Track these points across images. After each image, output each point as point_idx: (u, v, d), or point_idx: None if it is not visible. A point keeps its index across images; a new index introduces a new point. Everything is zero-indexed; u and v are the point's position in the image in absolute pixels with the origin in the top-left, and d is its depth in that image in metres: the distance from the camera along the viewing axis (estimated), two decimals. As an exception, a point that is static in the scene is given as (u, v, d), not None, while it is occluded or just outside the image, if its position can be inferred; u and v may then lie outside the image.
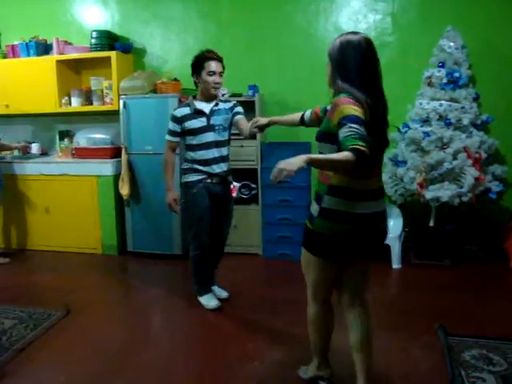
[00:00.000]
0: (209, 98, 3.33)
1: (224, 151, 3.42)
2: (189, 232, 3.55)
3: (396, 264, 4.30)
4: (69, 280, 4.21)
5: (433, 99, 4.15)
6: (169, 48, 5.16)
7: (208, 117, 3.31)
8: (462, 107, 4.10)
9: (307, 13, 4.76)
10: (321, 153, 2.08)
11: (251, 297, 3.72)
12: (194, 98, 3.39)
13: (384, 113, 2.06)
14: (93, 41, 4.97)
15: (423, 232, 4.47)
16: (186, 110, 3.31)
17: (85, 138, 5.03)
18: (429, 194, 4.05)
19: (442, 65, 4.16)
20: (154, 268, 4.54)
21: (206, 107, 3.32)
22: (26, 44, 5.12)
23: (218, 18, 4.94)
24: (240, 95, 4.61)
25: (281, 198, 4.50)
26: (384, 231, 2.15)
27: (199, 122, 3.29)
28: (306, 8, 4.76)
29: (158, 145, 4.56)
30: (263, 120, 2.79)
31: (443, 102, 4.10)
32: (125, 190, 4.65)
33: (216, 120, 3.33)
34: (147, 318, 3.49)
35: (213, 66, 3.21)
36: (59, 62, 5.04)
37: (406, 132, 4.23)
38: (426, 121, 4.17)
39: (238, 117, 3.40)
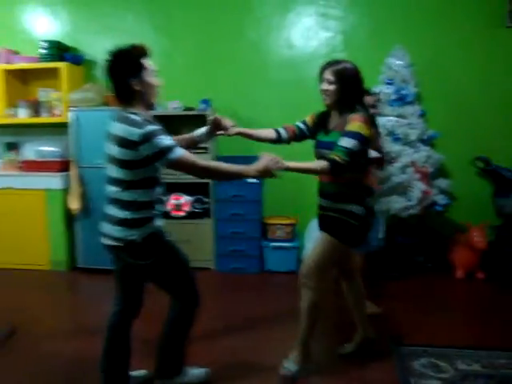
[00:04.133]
0: (149, 110, 2.37)
1: None
2: (181, 287, 2.53)
3: (348, 276, 4.37)
4: (14, 298, 4.04)
5: (382, 115, 4.27)
6: (121, 60, 5.09)
7: None
8: (410, 123, 4.24)
9: (259, 28, 4.82)
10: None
11: (204, 312, 3.68)
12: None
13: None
14: (42, 51, 4.84)
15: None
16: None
17: (33, 150, 4.88)
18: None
19: (390, 82, 4.30)
20: (105, 284, 4.40)
21: None
22: (-29, 53, 4.95)
23: (171, 32, 4.93)
24: (192, 109, 4.61)
25: (233, 211, 4.50)
26: None
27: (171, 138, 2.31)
28: (259, 23, 4.82)
29: (110, 158, 4.49)
30: (232, 129, 2.63)
31: (391, 117, 4.23)
32: (74, 205, 4.53)
33: None
34: (97, 338, 3.38)
35: (152, 64, 2.33)
36: (6, 71, 4.89)
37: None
38: (375, 136, 4.28)
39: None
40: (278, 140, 2.76)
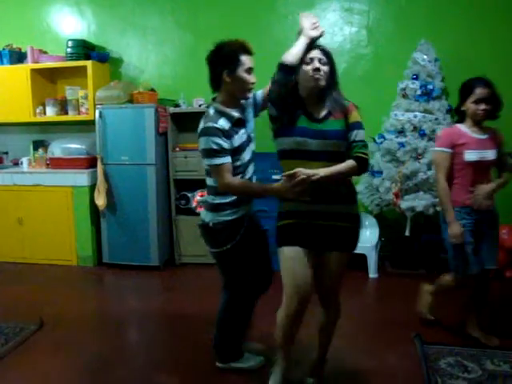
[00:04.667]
0: (238, 102, 2.47)
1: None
2: (234, 285, 2.64)
3: (373, 273, 4.34)
4: (43, 293, 4.12)
5: (407, 110, 4.22)
6: (145, 58, 5.15)
7: (245, 127, 2.49)
8: (436, 118, 4.17)
9: (284, 24, 4.80)
10: (331, 152, 2.19)
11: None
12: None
13: None
14: (68, 50, 4.92)
15: (399, 241, 4.52)
16: (224, 122, 2.34)
17: (60, 147, 4.96)
18: (404, 203, 4.11)
19: (415, 77, 4.24)
20: (130, 279, 4.48)
21: (240, 115, 2.46)
22: (0, 52, 5.04)
23: (195, 28, 4.94)
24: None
25: (257, 208, 4.45)
26: None
27: (240, 137, 2.42)
28: (283, 19, 4.80)
29: (134, 155, 4.55)
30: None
31: (417, 113, 4.17)
32: (100, 201, 4.59)
33: (250, 128, 2.54)
34: (123, 331, 3.44)
35: (249, 61, 2.44)
36: (34, 70, 4.98)
37: (381, 143, 4.29)
38: (401, 132, 4.23)
39: (259, 92, 2.61)
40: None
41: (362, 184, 4.42)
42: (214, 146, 2.26)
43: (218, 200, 2.43)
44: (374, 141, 4.38)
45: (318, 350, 2.52)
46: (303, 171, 2.06)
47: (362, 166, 2.18)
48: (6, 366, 2.85)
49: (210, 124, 2.28)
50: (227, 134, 2.30)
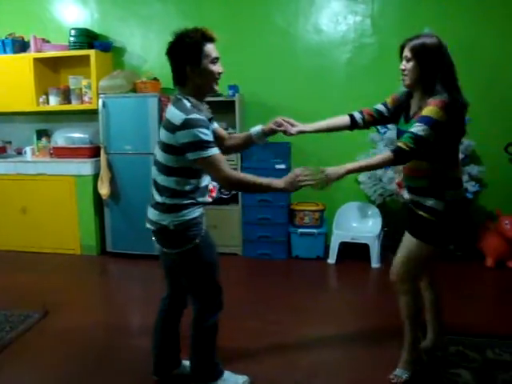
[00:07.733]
0: (205, 97, 2.27)
1: None
2: (201, 291, 2.35)
3: (375, 263, 4.35)
4: (47, 281, 4.15)
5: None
6: (148, 47, 5.13)
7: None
8: (440, 108, 4.15)
9: (287, 13, 4.77)
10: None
11: (231, 297, 3.72)
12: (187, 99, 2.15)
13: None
14: (71, 39, 4.91)
15: (402, 232, 4.51)
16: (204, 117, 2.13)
17: (63, 137, 4.97)
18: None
19: (420, 66, 4.20)
20: (133, 268, 4.51)
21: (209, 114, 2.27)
22: (2, 41, 5.03)
23: (198, 17, 4.90)
24: (220, 95, 4.60)
25: (261, 198, 4.50)
26: None
27: (211, 135, 2.15)
28: (286, 8, 4.77)
29: (138, 144, 4.55)
30: (292, 129, 2.38)
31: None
32: (104, 190, 4.61)
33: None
34: (126, 320, 3.46)
35: (214, 50, 2.21)
36: (37, 60, 4.97)
37: (384, 133, 4.28)
38: (404, 122, 4.21)
39: (215, 125, 2.39)
40: (354, 126, 2.52)
41: (364, 174, 4.42)
42: (205, 137, 2.04)
43: (178, 201, 2.19)
44: (378, 131, 4.37)
45: None
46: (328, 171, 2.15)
47: (397, 156, 2.17)
48: (11, 353, 2.88)
49: (197, 116, 2.06)
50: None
